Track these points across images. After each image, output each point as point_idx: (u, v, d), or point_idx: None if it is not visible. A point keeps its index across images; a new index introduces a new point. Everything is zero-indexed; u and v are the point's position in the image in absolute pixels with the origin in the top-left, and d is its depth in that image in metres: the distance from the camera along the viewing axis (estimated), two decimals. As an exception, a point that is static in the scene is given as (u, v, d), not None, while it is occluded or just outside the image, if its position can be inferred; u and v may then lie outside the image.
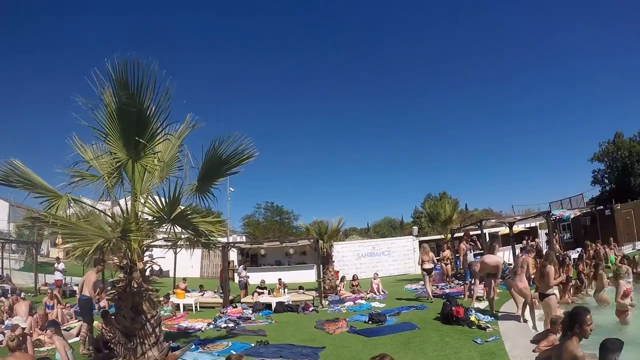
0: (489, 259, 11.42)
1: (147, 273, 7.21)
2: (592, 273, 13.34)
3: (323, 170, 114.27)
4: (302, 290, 17.94)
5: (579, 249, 18.16)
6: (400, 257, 30.29)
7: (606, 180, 54.64)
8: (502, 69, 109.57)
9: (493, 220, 25.15)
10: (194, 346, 9.00)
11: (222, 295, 16.89)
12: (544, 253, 13.81)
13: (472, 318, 9.99)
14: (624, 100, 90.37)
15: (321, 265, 18.59)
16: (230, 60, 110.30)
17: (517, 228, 26.64)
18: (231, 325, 11.93)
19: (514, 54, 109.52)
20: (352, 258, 30.06)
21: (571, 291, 12.70)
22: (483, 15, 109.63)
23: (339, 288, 18.52)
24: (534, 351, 7.19)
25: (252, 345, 9.16)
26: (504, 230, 24.93)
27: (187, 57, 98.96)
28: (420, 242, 28.73)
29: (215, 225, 7.29)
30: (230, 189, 38.12)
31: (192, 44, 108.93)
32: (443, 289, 17.09)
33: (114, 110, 6.50)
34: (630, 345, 6.61)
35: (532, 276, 11.86)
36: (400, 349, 8.18)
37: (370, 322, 11.11)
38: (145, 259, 7.23)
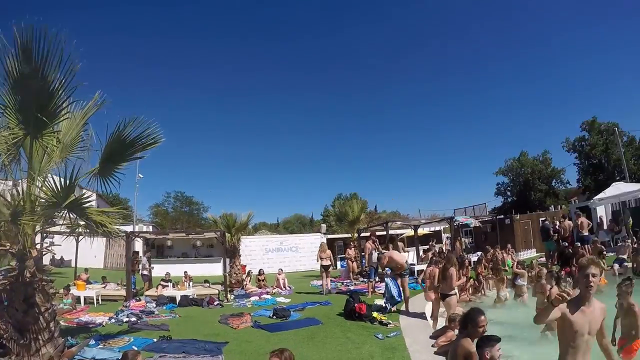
0: (398, 255, 11.92)
1: (46, 262, 6.72)
2: (490, 275, 14.33)
3: (237, 164, 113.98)
4: (207, 284, 17.59)
5: (479, 253, 19.07)
6: (307, 253, 30.35)
7: (508, 193, 61.02)
8: (415, 74, 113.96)
9: (399, 223, 26.00)
10: (93, 342, 8.52)
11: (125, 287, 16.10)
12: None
13: (374, 314, 10.32)
14: (531, 121, 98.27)
15: (228, 259, 18.33)
16: (145, 45, 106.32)
17: (422, 231, 27.67)
18: (133, 319, 11.42)
19: (427, 59, 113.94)
20: (259, 253, 29.74)
21: (470, 291, 13.37)
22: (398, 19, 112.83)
23: (245, 282, 18.32)
24: (432, 346, 7.49)
25: (155, 340, 8.83)
26: (409, 232, 25.76)
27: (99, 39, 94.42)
28: (328, 240, 29.21)
29: (111, 216, 6.90)
30: (139, 175, 36.28)
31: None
32: (348, 286, 17.45)
33: (15, 80, 5.93)
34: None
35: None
36: (303, 344, 8.26)
37: (274, 317, 11.13)
38: (44, 245, 6.75)
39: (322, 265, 16.12)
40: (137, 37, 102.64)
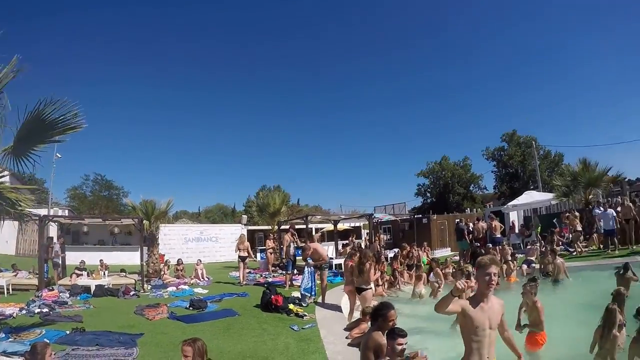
0: (322, 249, 12.31)
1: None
2: (405, 271, 15.05)
3: (161, 150, 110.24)
4: (124, 273, 17.10)
5: (396, 250, 19.81)
6: (227, 244, 30.16)
7: (428, 194, 64.25)
8: (345, 75, 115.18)
9: (319, 217, 26.45)
10: (3, 335, 8.17)
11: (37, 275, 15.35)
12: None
13: (291, 306, 10.50)
14: (454, 128, 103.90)
15: (146, 248, 17.99)
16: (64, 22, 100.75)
17: (343, 226, 28.37)
18: (45, 310, 10.96)
19: (356, 59, 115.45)
20: (179, 242, 29.36)
21: (385, 285, 13.90)
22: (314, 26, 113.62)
23: (162, 272, 18.13)
24: (346, 338, 7.75)
25: (67, 332, 8.54)
26: (329, 227, 26.29)
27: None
28: (249, 231, 29.28)
29: (25, 195, 6.62)
30: (57, 154, 34.38)
31: None
32: (266, 277, 17.61)
33: None
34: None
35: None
36: (219, 335, 8.34)
37: (191, 308, 11.10)
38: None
39: (239, 257, 16.36)
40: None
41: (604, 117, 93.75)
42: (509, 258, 15.46)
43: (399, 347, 4.70)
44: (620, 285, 8.88)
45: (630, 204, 17.71)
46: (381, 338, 5.15)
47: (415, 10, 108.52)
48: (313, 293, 11.73)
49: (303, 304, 11.11)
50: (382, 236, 25.67)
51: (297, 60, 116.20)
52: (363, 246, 19.73)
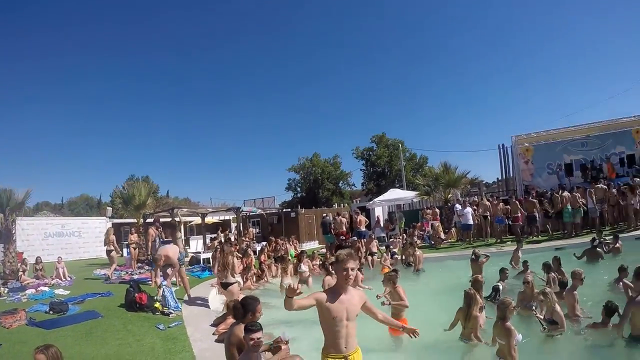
0: (173, 252, 11.93)
1: None
2: (272, 264, 15.86)
3: (17, 132, 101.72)
4: (-26, 276, 15.83)
5: (264, 243, 20.36)
6: (92, 239, 29.02)
7: (299, 189, 66.41)
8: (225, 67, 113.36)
9: (185, 210, 26.27)
10: None
11: None
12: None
13: (157, 304, 10.24)
14: (325, 127, 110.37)
15: (1, 245, 16.81)
16: None
17: (212, 219, 28.50)
18: None
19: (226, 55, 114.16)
20: (38, 237, 27.47)
21: (253, 279, 14.29)
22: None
23: (20, 273, 16.89)
24: (213, 334, 7.99)
25: None
26: (198, 220, 26.26)
27: None
28: (115, 225, 28.26)
29: None
30: None
31: None
32: (131, 274, 16.91)
33: None
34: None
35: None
36: (81, 340, 7.98)
37: (51, 312, 10.43)
38: None
39: (107, 251, 15.99)
40: None
41: (467, 127, 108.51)
42: (374, 250, 16.75)
43: (251, 342, 4.81)
44: (475, 270, 10.30)
45: (487, 203, 20.15)
46: (242, 332, 5.19)
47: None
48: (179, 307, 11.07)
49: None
50: (251, 230, 26.06)
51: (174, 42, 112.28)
52: (232, 240, 19.87)
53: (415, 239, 19.16)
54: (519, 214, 19.22)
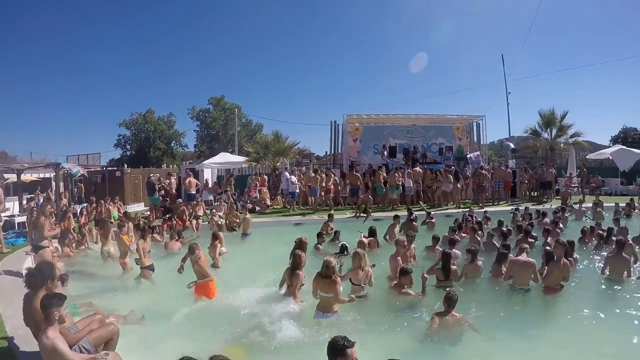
0: None
1: None
2: (94, 228, 14.15)
3: None
4: None
5: (85, 204, 19.34)
6: None
7: (128, 146, 62.98)
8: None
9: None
10: None
11: None
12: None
13: None
14: (162, 83, 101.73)
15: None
16: None
17: (30, 177, 26.24)
18: None
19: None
20: None
21: (73, 245, 12.74)
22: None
23: None
24: None
25: None
26: (13, 177, 24.19)
27: None
28: None
29: None
30: None
31: None
32: None
33: None
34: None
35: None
36: None
37: None
38: None
39: None
40: None
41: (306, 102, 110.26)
42: (200, 213, 16.96)
43: (60, 315, 4.58)
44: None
45: (312, 173, 21.25)
46: (38, 300, 4.89)
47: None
48: None
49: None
50: (73, 189, 24.64)
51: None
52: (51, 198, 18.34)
53: (242, 203, 19.72)
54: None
